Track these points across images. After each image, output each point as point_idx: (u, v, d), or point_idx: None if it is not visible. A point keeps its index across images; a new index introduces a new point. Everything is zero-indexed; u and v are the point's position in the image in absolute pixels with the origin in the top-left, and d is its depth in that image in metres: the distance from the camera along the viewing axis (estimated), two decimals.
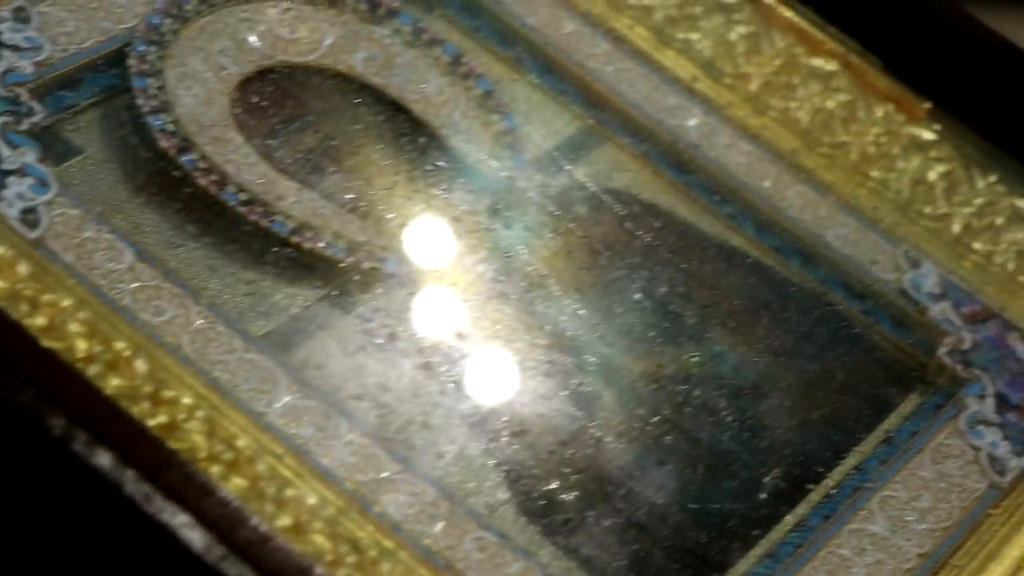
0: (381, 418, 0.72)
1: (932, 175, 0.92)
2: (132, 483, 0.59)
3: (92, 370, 0.67)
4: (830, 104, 0.93)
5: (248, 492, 0.63)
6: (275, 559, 0.60)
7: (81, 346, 0.67)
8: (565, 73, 0.93)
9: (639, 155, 0.92)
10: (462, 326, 0.78)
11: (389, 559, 0.63)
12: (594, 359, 0.82)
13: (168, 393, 0.66)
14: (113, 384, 0.66)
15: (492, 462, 0.72)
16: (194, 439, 0.65)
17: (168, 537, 0.59)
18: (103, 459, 0.59)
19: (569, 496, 0.71)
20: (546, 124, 0.92)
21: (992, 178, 0.94)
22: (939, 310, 0.87)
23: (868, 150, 0.93)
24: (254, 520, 0.61)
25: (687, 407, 0.79)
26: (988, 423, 0.81)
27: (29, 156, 0.74)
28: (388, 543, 0.64)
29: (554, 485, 0.71)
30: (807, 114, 0.93)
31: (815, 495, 0.76)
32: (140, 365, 0.67)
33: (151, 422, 0.64)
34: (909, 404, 0.82)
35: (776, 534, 0.73)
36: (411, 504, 0.66)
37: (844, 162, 0.92)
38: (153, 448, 0.62)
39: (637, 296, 0.85)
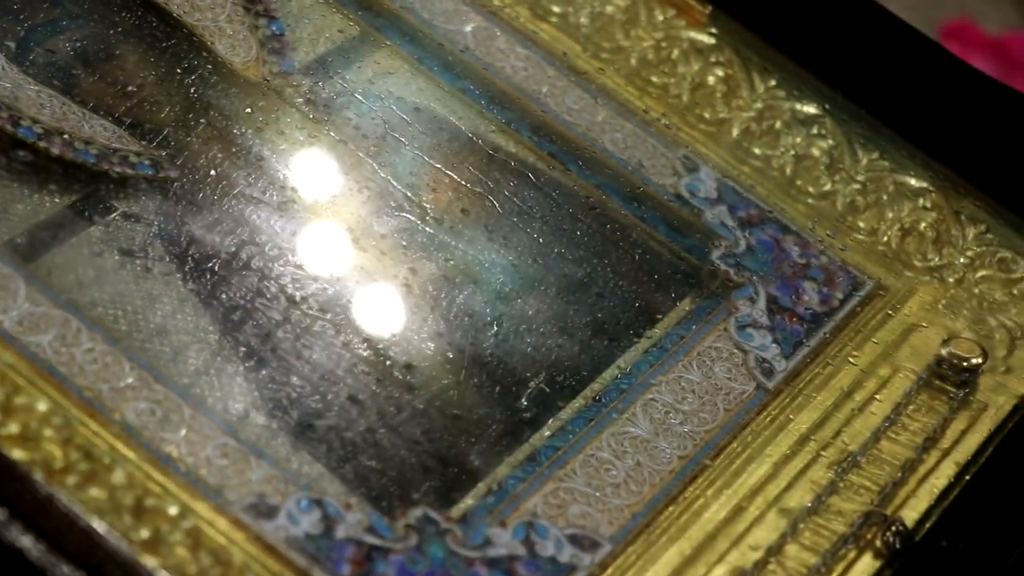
0: (127, 326, 0.71)
1: (712, 79, 0.93)
2: None
3: None
4: (609, 9, 0.93)
5: None
6: None
7: None
8: None
9: (413, 60, 0.91)
10: (209, 230, 0.78)
11: (124, 465, 0.62)
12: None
13: None
14: None
15: (240, 372, 0.72)
16: None
17: None
18: None
19: (322, 405, 0.71)
20: (318, 29, 0.91)
21: (772, 82, 0.95)
22: (715, 214, 0.88)
23: (648, 55, 0.93)
24: None
25: (450, 312, 0.79)
26: (758, 326, 0.83)
27: None
28: (125, 450, 0.63)
29: (307, 394, 0.72)
30: (587, 19, 0.93)
31: (579, 400, 0.77)
32: None
33: None
34: (681, 308, 0.83)
35: (538, 439, 0.74)
36: (153, 411, 0.65)
37: (624, 67, 0.93)
38: None
39: (397, 202, 0.86)
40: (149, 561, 0.60)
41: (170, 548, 0.61)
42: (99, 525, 0.60)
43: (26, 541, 0.56)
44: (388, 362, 0.75)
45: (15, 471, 0.59)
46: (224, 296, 0.74)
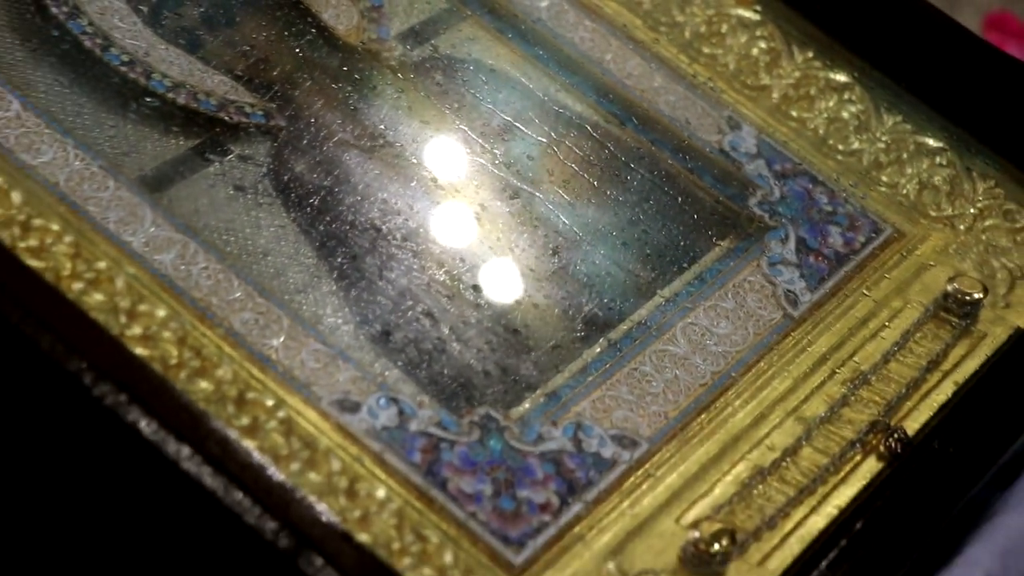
0: (237, 249, 0.73)
1: (755, 51, 0.94)
2: None
3: None
4: None
5: (104, 305, 0.66)
6: (119, 361, 0.62)
7: None
8: None
9: (492, 30, 0.93)
10: (310, 171, 0.80)
11: (230, 364, 0.65)
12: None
13: (37, 221, 0.68)
14: None
15: (332, 290, 0.74)
16: (59, 260, 0.67)
17: (24, 341, 0.60)
18: None
19: (402, 319, 0.73)
20: (411, 3, 0.93)
21: (809, 54, 0.96)
22: (754, 167, 0.89)
23: (700, 29, 0.95)
24: (111, 330, 0.63)
25: (515, 243, 0.81)
26: (787, 263, 0.84)
27: None
28: (230, 351, 0.66)
29: (388, 309, 0.73)
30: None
31: (626, 323, 0.78)
32: (15, 197, 0.68)
33: (20, 244, 0.66)
34: (720, 247, 0.85)
35: (589, 355, 0.75)
36: (256, 321, 0.68)
37: (678, 39, 0.95)
38: (17, 270, 0.64)
39: (471, 148, 0.87)
40: (248, 443, 0.62)
41: (266, 433, 0.64)
42: (205, 411, 0.62)
43: (143, 422, 0.58)
44: (459, 284, 0.76)
45: (136, 364, 0.62)
46: (320, 227, 0.76)
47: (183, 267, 0.71)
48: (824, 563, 0.73)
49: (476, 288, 0.78)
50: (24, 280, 0.65)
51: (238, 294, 0.70)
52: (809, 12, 0.98)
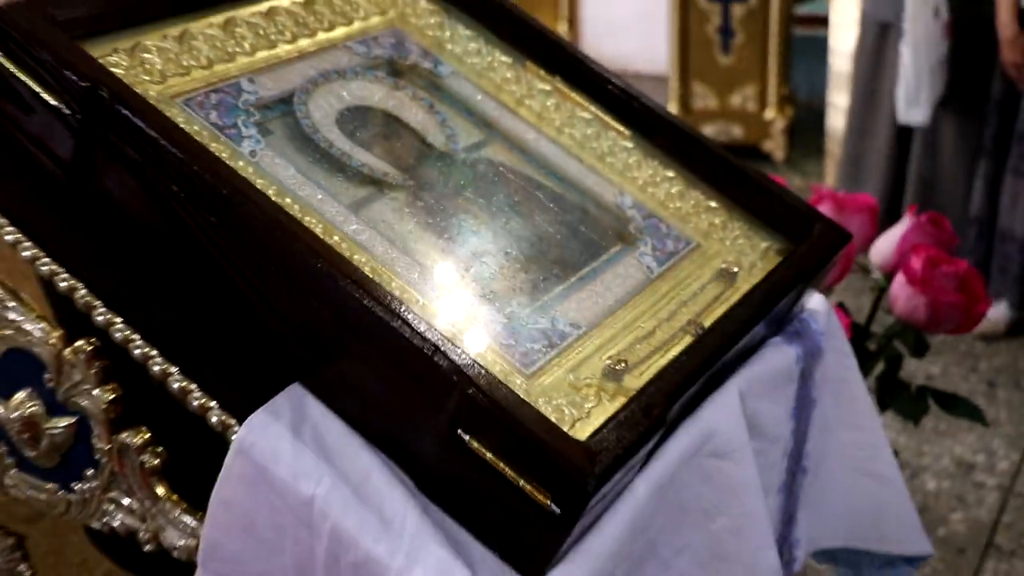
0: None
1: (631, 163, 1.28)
2: None
3: None
4: None
5: None
6: None
7: None
8: None
9: (510, 151, 1.20)
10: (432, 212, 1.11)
11: None
12: None
13: None
14: None
15: None
16: None
17: None
18: None
19: None
20: (468, 135, 1.17)
21: (669, 173, 1.27)
22: (632, 215, 1.17)
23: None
24: None
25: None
26: (646, 254, 1.15)
27: None
28: None
29: None
30: None
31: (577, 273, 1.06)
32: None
33: None
34: (617, 248, 1.13)
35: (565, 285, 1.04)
36: None
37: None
38: None
39: None
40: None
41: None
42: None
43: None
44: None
45: None
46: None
47: None
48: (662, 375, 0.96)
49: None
50: None
51: None
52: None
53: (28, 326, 1.03)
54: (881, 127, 3.78)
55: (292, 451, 0.91)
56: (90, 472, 1.05)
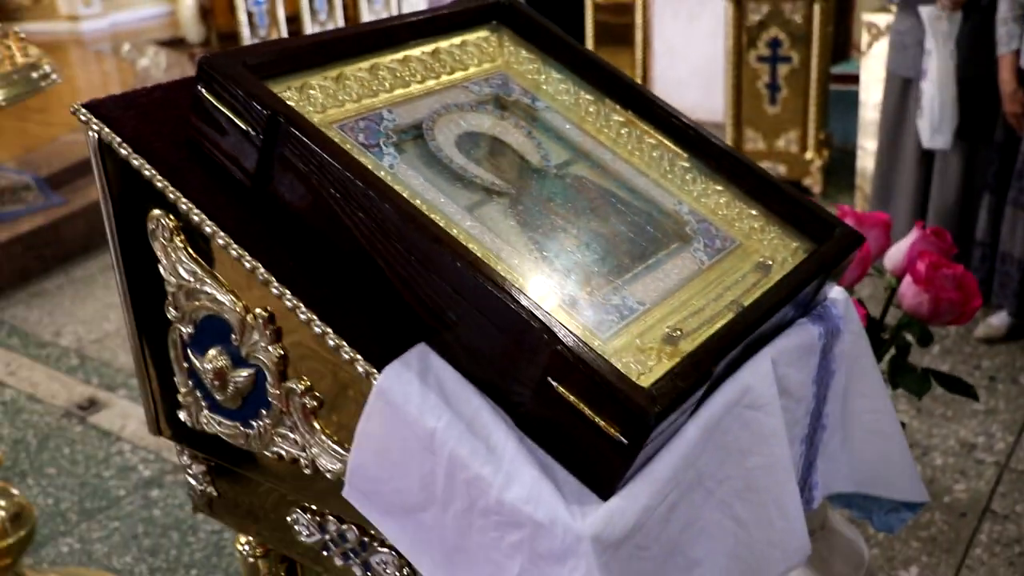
0: None
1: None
2: None
3: None
4: None
5: None
6: None
7: None
8: None
9: (593, 168, 1.25)
10: (528, 214, 1.17)
11: None
12: None
13: None
14: None
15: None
16: None
17: None
18: None
19: None
20: (557, 154, 1.22)
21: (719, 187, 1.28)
22: (688, 218, 1.21)
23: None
24: None
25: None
26: (699, 250, 1.19)
27: None
28: None
29: None
30: None
31: (643, 263, 1.11)
32: None
33: None
34: (676, 244, 1.19)
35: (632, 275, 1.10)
36: None
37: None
38: None
39: None
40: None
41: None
42: None
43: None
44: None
45: None
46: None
47: None
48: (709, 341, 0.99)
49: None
50: None
51: None
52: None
53: (221, 297, 1.08)
54: (905, 164, 3.75)
55: (419, 394, 0.96)
56: (264, 412, 1.10)
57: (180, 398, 1.20)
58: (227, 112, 1.05)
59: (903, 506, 1.39)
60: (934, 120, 3.50)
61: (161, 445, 3.11)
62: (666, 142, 1.29)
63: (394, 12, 8.88)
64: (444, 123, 1.18)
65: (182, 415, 1.22)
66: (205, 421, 1.19)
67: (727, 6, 4.75)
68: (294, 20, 8.02)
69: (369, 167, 1.03)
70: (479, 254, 0.98)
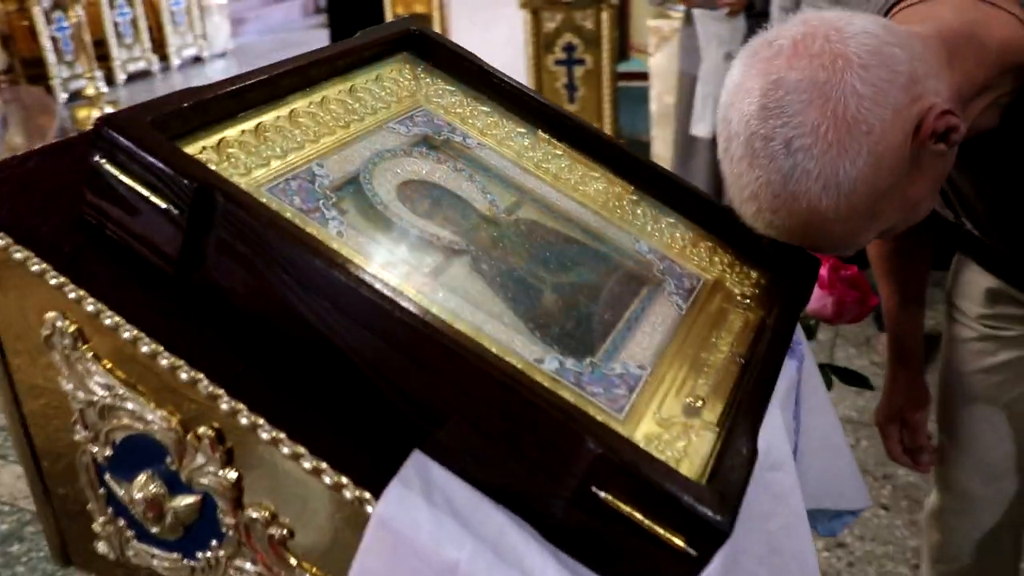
0: None
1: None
2: None
3: None
4: None
5: None
6: None
7: None
8: None
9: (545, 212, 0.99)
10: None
11: None
12: None
13: None
14: None
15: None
16: None
17: None
18: None
19: None
20: (514, 206, 0.98)
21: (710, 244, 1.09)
22: (652, 260, 1.01)
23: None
24: None
25: None
26: (672, 294, 0.99)
27: None
28: None
29: None
30: None
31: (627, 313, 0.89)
32: None
33: None
34: (647, 288, 0.94)
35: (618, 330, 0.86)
36: None
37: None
38: None
39: None
40: None
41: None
42: None
43: None
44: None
45: None
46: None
47: None
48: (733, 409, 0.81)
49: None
50: None
51: None
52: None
53: (148, 415, 0.77)
54: (699, 150, 3.76)
55: (430, 519, 0.71)
56: (214, 543, 0.80)
57: (97, 527, 0.87)
58: (138, 187, 0.74)
59: (848, 512, 1.23)
60: (697, 111, 3.59)
61: (16, 493, 2.60)
62: (609, 175, 1.09)
63: (198, 34, 8.16)
64: (380, 173, 0.93)
65: (101, 547, 0.88)
66: (133, 553, 0.86)
67: (525, 16, 4.58)
68: (100, 44, 7.29)
69: (322, 239, 0.76)
70: (470, 333, 0.76)
